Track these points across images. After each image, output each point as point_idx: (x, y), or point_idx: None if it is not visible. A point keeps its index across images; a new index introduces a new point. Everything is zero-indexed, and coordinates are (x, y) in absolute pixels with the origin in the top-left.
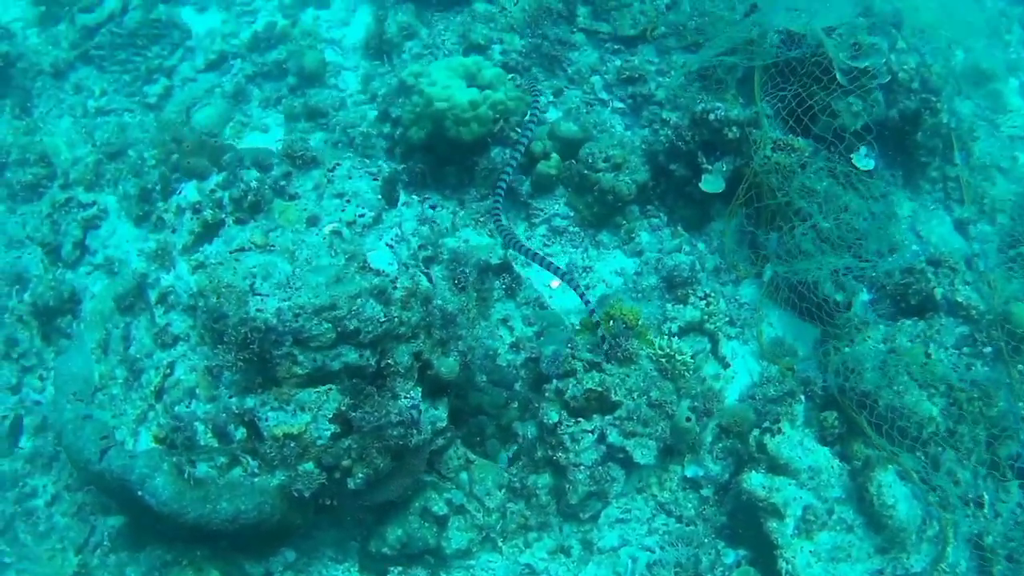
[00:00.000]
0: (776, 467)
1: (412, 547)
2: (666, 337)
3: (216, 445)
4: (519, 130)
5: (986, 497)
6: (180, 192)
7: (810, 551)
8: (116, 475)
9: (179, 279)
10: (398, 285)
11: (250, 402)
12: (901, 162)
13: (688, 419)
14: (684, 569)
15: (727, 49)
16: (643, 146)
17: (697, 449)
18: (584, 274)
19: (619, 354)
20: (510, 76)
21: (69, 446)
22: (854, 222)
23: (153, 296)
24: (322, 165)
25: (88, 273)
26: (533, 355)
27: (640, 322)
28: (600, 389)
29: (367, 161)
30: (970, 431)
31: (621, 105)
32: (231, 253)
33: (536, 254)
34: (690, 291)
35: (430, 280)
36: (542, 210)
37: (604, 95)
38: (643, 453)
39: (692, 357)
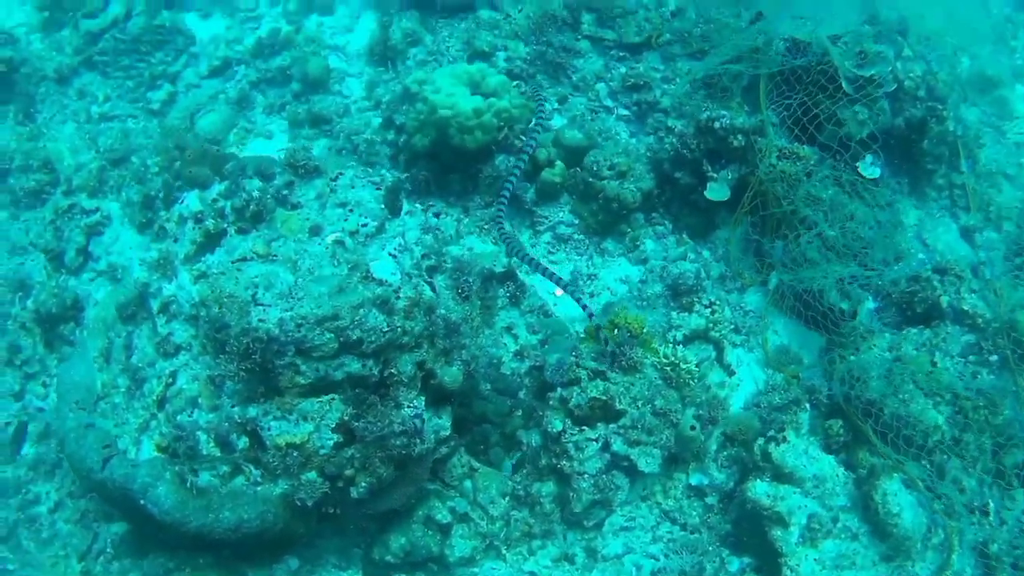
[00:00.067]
0: (781, 475)
1: (415, 555)
2: (671, 345)
3: (218, 454)
4: (523, 137)
5: (991, 505)
6: (182, 201)
7: (815, 559)
8: (118, 484)
9: (181, 289)
10: (401, 295)
11: (252, 411)
12: (907, 170)
13: (693, 428)
14: None
15: (732, 57)
16: (648, 154)
17: (702, 457)
18: (589, 282)
19: (624, 362)
20: (514, 83)
21: (71, 454)
22: (860, 231)
23: (155, 305)
24: (325, 174)
25: (91, 280)
26: (537, 363)
27: (645, 330)
28: (604, 398)
29: (370, 170)
30: (976, 439)
31: (626, 112)
32: (233, 263)
33: (538, 263)
34: (695, 299)
35: (433, 289)
36: (547, 218)
37: (609, 102)
38: (647, 461)
39: (697, 365)
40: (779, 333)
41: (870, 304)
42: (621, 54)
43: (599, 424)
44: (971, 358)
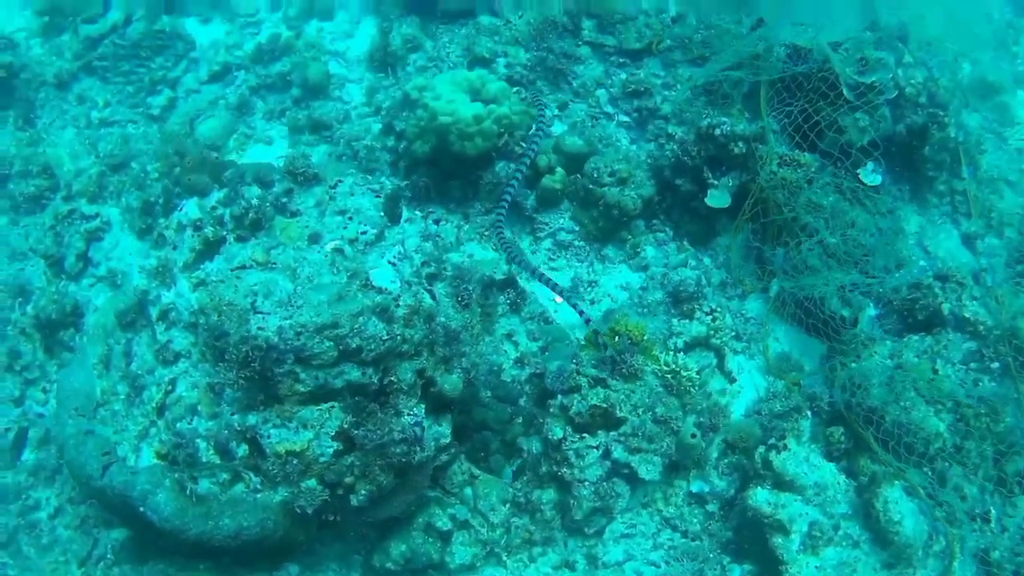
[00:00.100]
0: (782, 483)
1: (416, 562)
2: (671, 353)
3: (218, 462)
4: (524, 144)
5: (993, 512)
6: (181, 209)
7: (816, 567)
8: (118, 491)
9: (180, 296)
10: (401, 303)
11: (252, 419)
12: (908, 176)
13: (693, 435)
14: None
15: (733, 63)
16: (649, 160)
17: (703, 464)
18: (590, 288)
19: (624, 370)
20: (515, 89)
21: (71, 461)
22: (861, 238)
23: (154, 313)
24: (324, 182)
25: (91, 285)
26: (538, 370)
27: (646, 337)
28: (605, 405)
29: (369, 178)
30: (977, 447)
31: (627, 119)
32: (232, 271)
33: (534, 268)
34: (696, 306)
35: (433, 297)
36: (547, 224)
37: (609, 109)
38: (648, 469)
39: (698, 373)
40: (780, 340)
41: (871, 311)
42: (622, 60)
43: (600, 431)
44: (972, 365)
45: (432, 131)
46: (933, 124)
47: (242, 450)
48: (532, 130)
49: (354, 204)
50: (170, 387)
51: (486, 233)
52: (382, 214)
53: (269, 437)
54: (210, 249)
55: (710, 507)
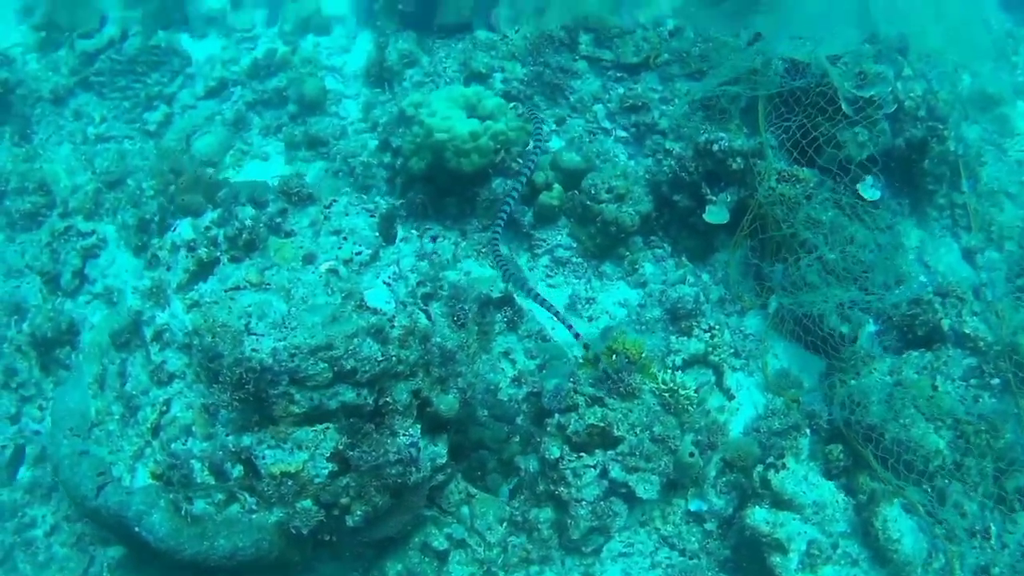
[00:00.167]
0: (780, 502)
1: None
2: (669, 371)
3: (213, 483)
4: (521, 160)
5: (993, 528)
6: (175, 229)
7: None
8: (113, 511)
9: (174, 317)
10: (396, 324)
11: (247, 440)
12: (908, 190)
13: (691, 454)
14: None
15: (731, 78)
16: (646, 176)
17: (701, 483)
18: (587, 306)
19: (622, 389)
20: (511, 105)
21: (66, 481)
22: (860, 254)
23: (148, 333)
24: (318, 202)
25: (87, 302)
26: (535, 389)
27: (644, 355)
28: (602, 424)
29: (364, 197)
30: (977, 464)
31: (624, 134)
32: (226, 292)
33: (524, 283)
34: (694, 323)
35: (429, 317)
36: (544, 241)
37: (607, 124)
38: (646, 488)
39: (696, 391)
40: (779, 357)
41: (871, 327)
42: (619, 74)
43: (597, 451)
44: (972, 381)
45: (428, 148)
46: (932, 137)
47: (237, 471)
48: (530, 146)
49: (349, 224)
50: (165, 407)
51: (483, 250)
52: (377, 234)
53: (264, 458)
54: (204, 270)
55: (708, 526)
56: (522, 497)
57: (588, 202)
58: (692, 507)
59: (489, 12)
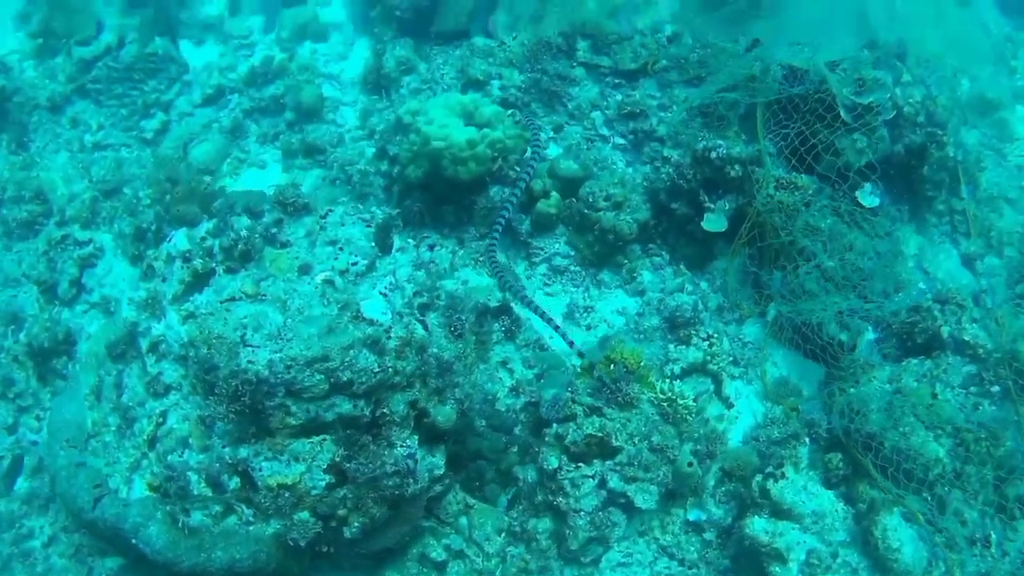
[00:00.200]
0: (779, 512)
1: None
2: (668, 381)
3: (210, 494)
4: (518, 168)
5: (993, 536)
6: (170, 240)
7: None
8: (110, 523)
9: (170, 329)
10: (392, 335)
11: (243, 452)
12: (907, 196)
13: (690, 464)
14: None
15: (729, 85)
16: (644, 184)
17: (699, 492)
18: (585, 314)
19: (620, 398)
20: (509, 112)
21: (63, 493)
22: (859, 261)
23: (144, 345)
24: (314, 211)
25: (85, 312)
26: (533, 399)
27: (642, 364)
28: (600, 434)
29: (360, 207)
30: (977, 472)
31: (622, 141)
32: (221, 303)
33: (518, 290)
34: (693, 332)
35: (425, 328)
36: (542, 249)
37: (605, 131)
38: (644, 498)
39: (695, 400)
40: (778, 365)
41: (870, 335)
42: (617, 81)
43: (595, 460)
44: (972, 389)
45: (425, 156)
46: (932, 143)
47: (234, 483)
48: (527, 154)
49: (345, 234)
50: (161, 419)
51: (480, 259)
52: (373, 244)
53: (261, 470)
54: (199, 281)
55: (707, 535)
56: (520, 507)
57: (586, 210)
58: (691, 517)
59: (486, 19)
